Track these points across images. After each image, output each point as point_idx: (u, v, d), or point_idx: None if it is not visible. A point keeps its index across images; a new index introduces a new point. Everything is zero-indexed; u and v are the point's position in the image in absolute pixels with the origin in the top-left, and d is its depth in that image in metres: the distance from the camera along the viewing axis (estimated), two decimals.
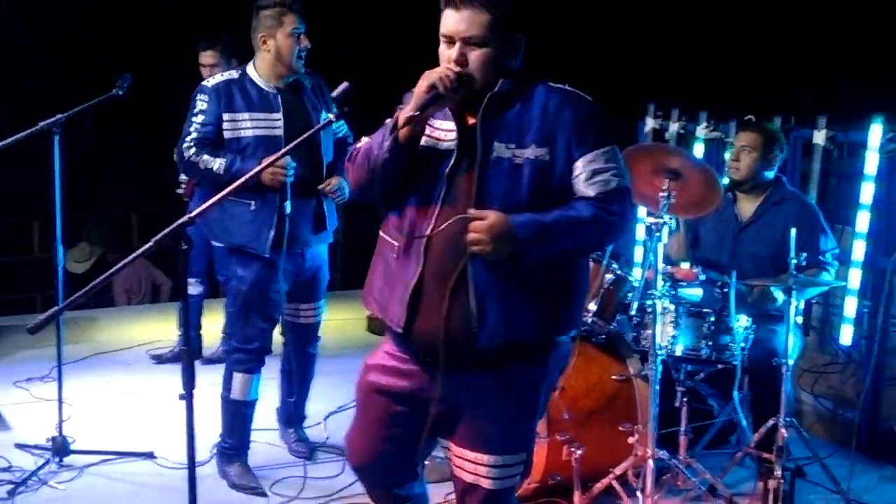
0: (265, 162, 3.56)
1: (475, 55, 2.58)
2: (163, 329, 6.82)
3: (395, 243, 2.69)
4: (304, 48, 4.29)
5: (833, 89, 5.89)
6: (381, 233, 2.80)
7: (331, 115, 3.52)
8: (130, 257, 2.59)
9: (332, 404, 5.33)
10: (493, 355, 2.59)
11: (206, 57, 5.99)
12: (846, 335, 5.19)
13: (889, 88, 5.46)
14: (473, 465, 2.74)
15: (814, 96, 5.79)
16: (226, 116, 4.25)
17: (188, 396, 2.63)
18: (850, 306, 5.15)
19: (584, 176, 2.58)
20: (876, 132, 5.04)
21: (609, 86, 6.97)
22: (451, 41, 2.60)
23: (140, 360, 6.17)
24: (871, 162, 5.05)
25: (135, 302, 8.32)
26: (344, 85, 2.87)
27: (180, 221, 2.53)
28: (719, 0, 7.24)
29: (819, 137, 5.40)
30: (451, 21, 2.58)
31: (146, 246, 2.57)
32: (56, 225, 4.58)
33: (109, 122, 7.61)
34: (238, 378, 4.33)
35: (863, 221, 5.11)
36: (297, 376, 4.77)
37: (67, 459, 4.57)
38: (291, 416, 4.91)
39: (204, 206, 2.70)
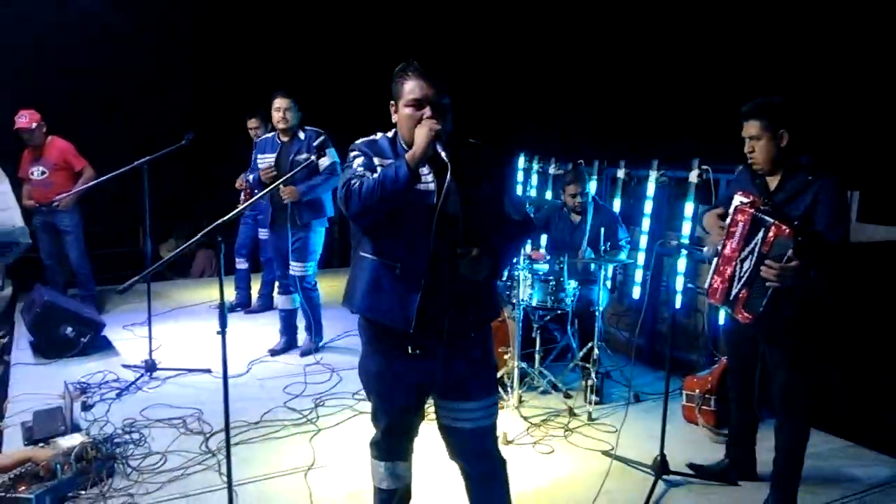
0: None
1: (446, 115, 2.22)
2: (211, 292, 6.63)
3: (396, 264, 2.23)
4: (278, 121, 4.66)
5: (628, 142, 5.92)
6: (366, 255, 2.29)
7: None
8: (183, 247, 2.53)
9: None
10: (476, 332, 2.31)
11: (252, 122, 5.82)
12: (636, 293, 5.26)
13: (662, 141, 5.50)
14: (470, 413, 2.34)
15: (615, 146, 5.82)
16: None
17: (223, 332, 2.55)
18: (638, 275, 5.21)
19: (512, 209, 2.38)
20: (654, 169, 5.10)
21: (486, 137, 6.98)
22: (420, 105, 2.19)
23: (205, 312, 6.00)
24: (651, 188, 5.11)
25: (206, 276, 8.13)
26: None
27: (209, 228, 2.48)
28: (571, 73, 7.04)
29: (620, 173, 5.45)
30: (421, 89, 2.19)
31: (192, 240, 2.53)
32: (146, 226, 4.47)
33: (188, 161, 7.39)
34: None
35: (646, 224, 5.17)
36: None
37: (155, 374, 4.46)
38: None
39: (227, 217, 2.62)
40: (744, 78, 5.06)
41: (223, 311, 2.55)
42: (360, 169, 2.21)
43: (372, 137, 2.35)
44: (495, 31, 7.21)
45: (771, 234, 2.69)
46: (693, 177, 4.71)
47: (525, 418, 3.93)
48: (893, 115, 5.03)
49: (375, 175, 2.16)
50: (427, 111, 2.19)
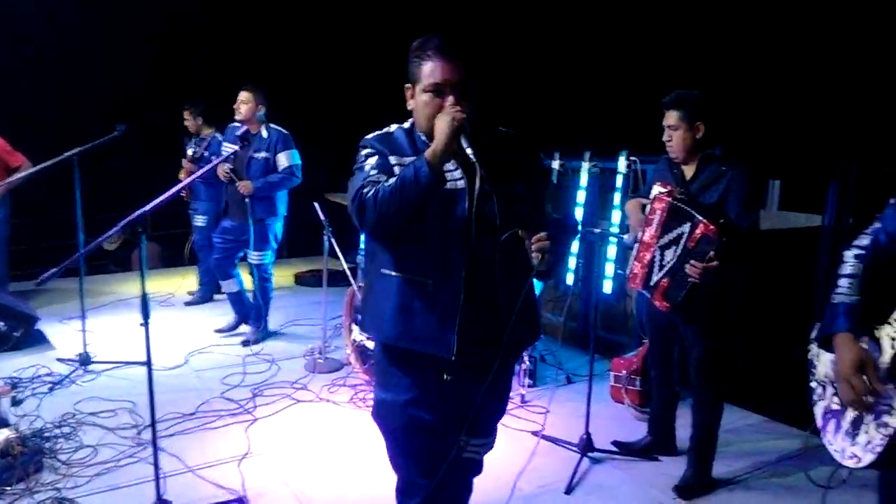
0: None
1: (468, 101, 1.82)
2: (159, 285, 6.51)
3: (427, 280, 1.85)
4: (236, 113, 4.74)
5: (563, 135, 5.98)
6: (388, 272, 1.89)
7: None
8: (101, 238, 2.48)
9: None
10: (519, 354, 1.99)
11: (185, 113, 5.76)
12: (569, 279, 5.33)
13: (593, 133, 5.59)
14: (476, 448, 2.13)
15: (548, 138, 5.88)
16: None
17: (146, 324, 2.50)
18: (572, 262, 5.29)
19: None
20: (586, 160, 5.17)
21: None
22: (441, 90, 1.81)
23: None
24: (583, 179, 5.18)
25: (154, 269, 7.92)
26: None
27: (128, 219, 2.43)
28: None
29: (555, 164, 5.50)
30: (443, 72, 1.80)
31: (110, 232, 2.47)
32: (78, 220, 4.34)
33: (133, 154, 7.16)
34: None
35: (579, 213, 5.24)
36: None
37: (90, 367, 4.34)
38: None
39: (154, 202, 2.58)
40: (669, 72, 5.18)
41: (145, 302, 2.51)
42: (374, 172, 1.82)
43: (386, 130, 1.95)
44: (427, 21, 7.22)
45: (698, 231, 2.76)
46: (621, 167, 4.80)
47: None
48: (813, 108, 5.23)
49: (392, 180, 1.75)
50: (450, 99, 1.79)
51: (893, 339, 1.63)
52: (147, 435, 3.42)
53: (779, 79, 5.33)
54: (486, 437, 2.16)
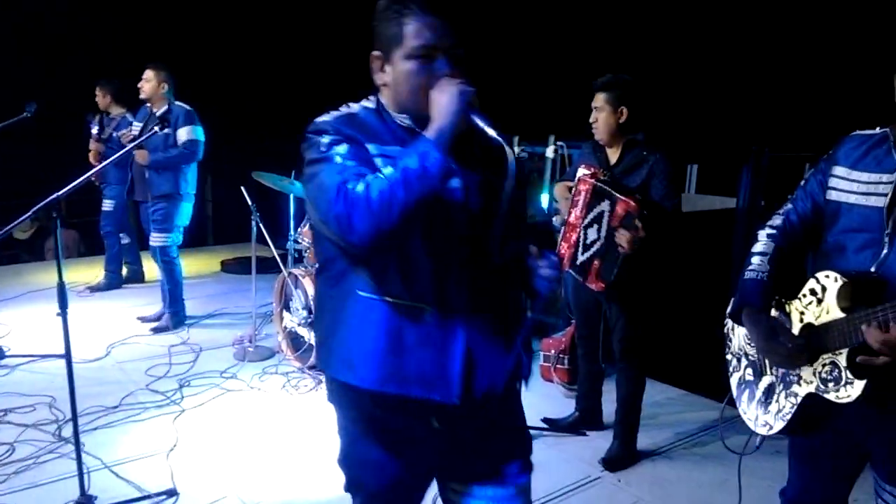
0: None
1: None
2: (77, 274, 6.21)
3: (425, 306, 1.43)
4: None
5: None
6: (367, 295, 1.44)
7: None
8: (12, 224, 2.33)
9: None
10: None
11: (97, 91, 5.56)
12: None
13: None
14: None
15: (512, 123, 5.92)
16: None
17: (63, 314, 2.38)
18: None
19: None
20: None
21: None
22: (431, 55, 1.42)
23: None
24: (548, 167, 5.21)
25: (69, 257, 7.54)
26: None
27: (42, 204, 2.30)
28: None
29: (515, 150, 5.52)
30: (433, 31, 1.41)
31: (22, 217, 2.32)
32: None
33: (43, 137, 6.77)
34: None
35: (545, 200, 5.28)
36: None
37: (3, 361, 4.09)
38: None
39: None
40: (595, 58, 5.28)
41: (62, 291, 2.39)
42: (351, 164, 1.36)
43: (347, 111, 1.49)
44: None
45: (619, 209, 2.84)
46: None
47: None
48: (727, 96, 5.45)
49: (388, 172, 1.32)
50: (444, 66, 1.42)
51: (802, 313, 1.73)
52: (68, 430, 3.27)
53: (695, 68, 5.52)
54: (507, 486, 1.62)
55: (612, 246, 2.88)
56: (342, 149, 1.39)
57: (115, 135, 5.41)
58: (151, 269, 5.53)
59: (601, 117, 3.06)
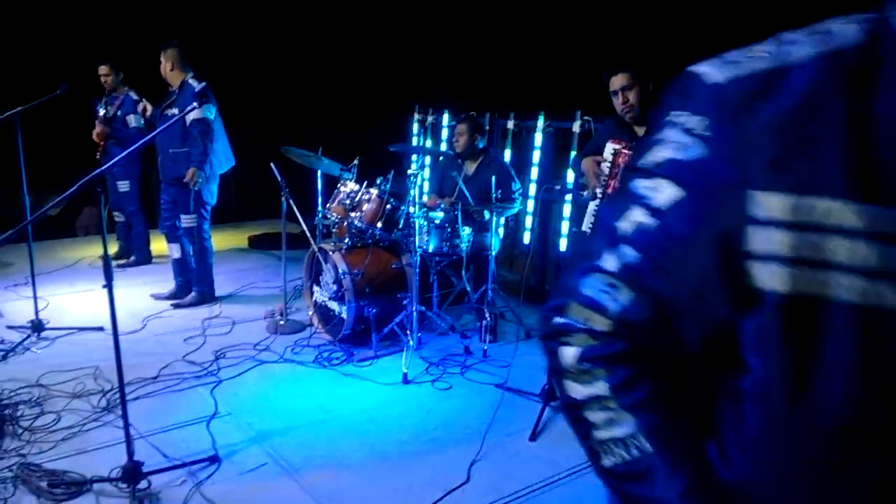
0: None
1: None
2: (96, 249, 6.28)
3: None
4: None
5: (516, 94, 5.95)
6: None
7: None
8: (52, 202, 2.37)
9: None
10: None
11: (102, 69, 5.54)
12: (526, 238, 5.40)
13: (547, 94, 5.58)
14: None
15: (503, 98, 5.84)
16: None
17: (109, 286, 2.42)
18: (528, 221, 5.34)
19: None
20: (541, 120, 5.19)
21: (393, 93, 6.85)
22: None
23: (93, 271, 5.63)
24: (538, 139, 5.21)
25: (91, 234, 7.64)
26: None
27: (86, 179, 2.32)
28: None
29: (510, 125, 5.52)
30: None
31: (66, 193, 2.35)
32: (23, 182, 4.10)
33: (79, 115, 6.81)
34: None
35: (535, 172, 5.28)
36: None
37: (44, 334, 4.18)
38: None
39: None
40: (621, 32, 5.19)
41: (108, 264, 2.43)
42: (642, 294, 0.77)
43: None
44: None
45: None
46: (576, 127, 4.84)
47: (424, 359, 4.00)
48: None
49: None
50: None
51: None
52: (111, 400, 3.35)
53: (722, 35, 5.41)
54: None
55: None
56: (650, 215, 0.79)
57: (118, 114, 5.43)
58: (160, 247, 5.63)
59: (632, 95, 3.02)
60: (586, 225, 3.21)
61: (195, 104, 3.22)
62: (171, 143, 4.55)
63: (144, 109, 5.00)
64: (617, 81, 3.03)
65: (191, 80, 4.59)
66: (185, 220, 4.70)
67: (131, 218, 5.81)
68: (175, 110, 4.52)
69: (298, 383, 3.66)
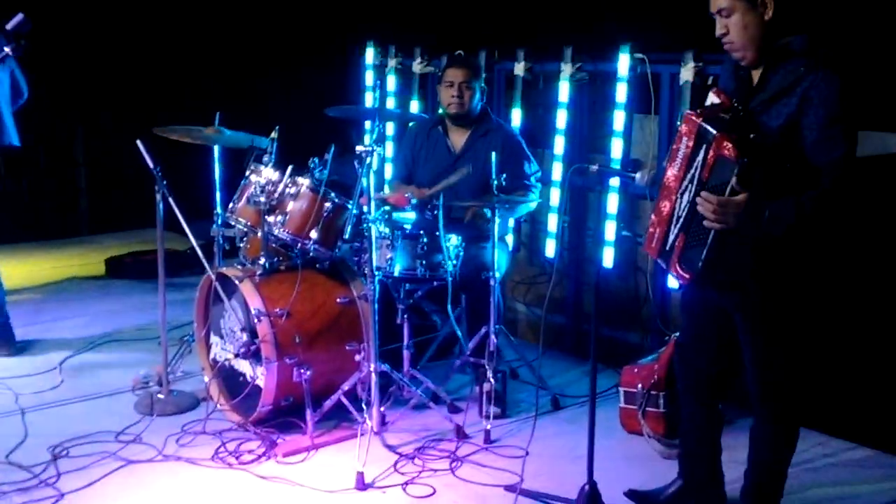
0: None
1: None
2: None
3: None
4: None
5: (530, 24, 5.98)
6: None
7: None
8: None
9: None
10: None
11: None
12: (550, 248, 5.37)
13: (576, 25, 5.59)
14: None
15: (513, 30, 5.86)
16: None
17: None
18: (553, 222, 5.32)
19: None
20: (567, 61, 5.18)
21: (329, 25, 6.85)
22: None
23: None
24: (564, 91, 5.19)
25: None
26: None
27: None
28: None
29: (519, 69, 5.50)
30: None
31: None
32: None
33: None
34: None
35: (559, 144, 5.26)
36: None
37: None
38: None
39: None
40: None
41: None
42: None
43: None
44: None
45: (711, 152, 2.77)
46: (622, 70, 4.82)
47: (391, 448, 3.99)
48: None
49: None
50: None
51: None
52: None
53: None
54: None
55: (697, 214, 2.82)
56: None
57: None
58: None
59: (732, 22, 2.95)
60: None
61: None
62: None
63: None
64: (714, 1, 2.97)
65: None
66: None
67: None
68: None
69: (189, 496, 3.60)
